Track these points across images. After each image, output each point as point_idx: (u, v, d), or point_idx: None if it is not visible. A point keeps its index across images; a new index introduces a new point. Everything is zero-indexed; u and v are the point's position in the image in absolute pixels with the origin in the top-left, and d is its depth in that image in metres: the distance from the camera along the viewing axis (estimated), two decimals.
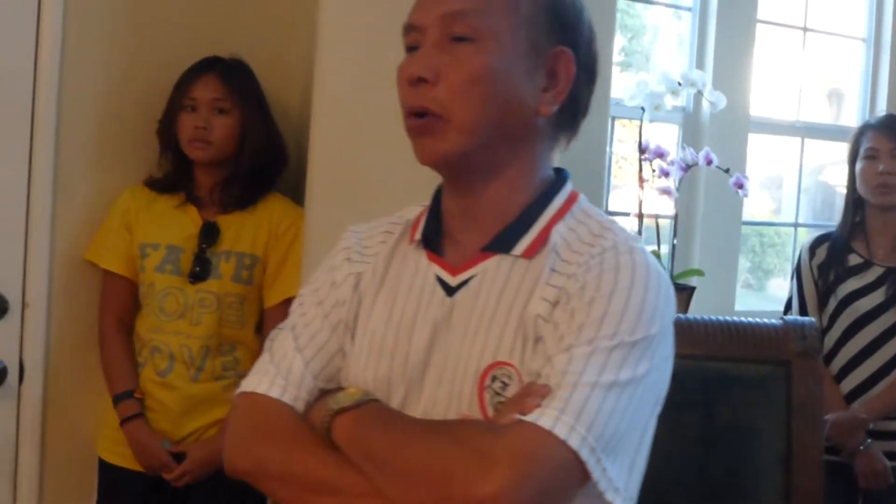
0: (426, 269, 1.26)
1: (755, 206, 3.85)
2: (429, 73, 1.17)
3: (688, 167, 2.96)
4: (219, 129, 2.32)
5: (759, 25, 3.41)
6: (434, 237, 1.27)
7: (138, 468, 2.29)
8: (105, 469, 2.37)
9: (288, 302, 2.28)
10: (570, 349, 1.08)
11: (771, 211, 4.11)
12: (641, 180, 2.93)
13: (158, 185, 2.38)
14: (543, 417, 1.04)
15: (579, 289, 1.12)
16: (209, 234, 2.33)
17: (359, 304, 1.28)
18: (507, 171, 1.23)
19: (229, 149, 2.34)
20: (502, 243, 1.21)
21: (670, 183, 2.94)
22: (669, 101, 3.00)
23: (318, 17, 2.19)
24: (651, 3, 3.51)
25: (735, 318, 2.17)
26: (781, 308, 3.10)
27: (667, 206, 3.06)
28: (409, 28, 1.23)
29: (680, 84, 2.96)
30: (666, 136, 3.32)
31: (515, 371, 1.14)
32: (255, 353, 2.32)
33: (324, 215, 2.21)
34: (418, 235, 1.29)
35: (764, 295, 4.13)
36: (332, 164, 2.22)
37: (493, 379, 1.14)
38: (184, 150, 2.34)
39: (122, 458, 2.32)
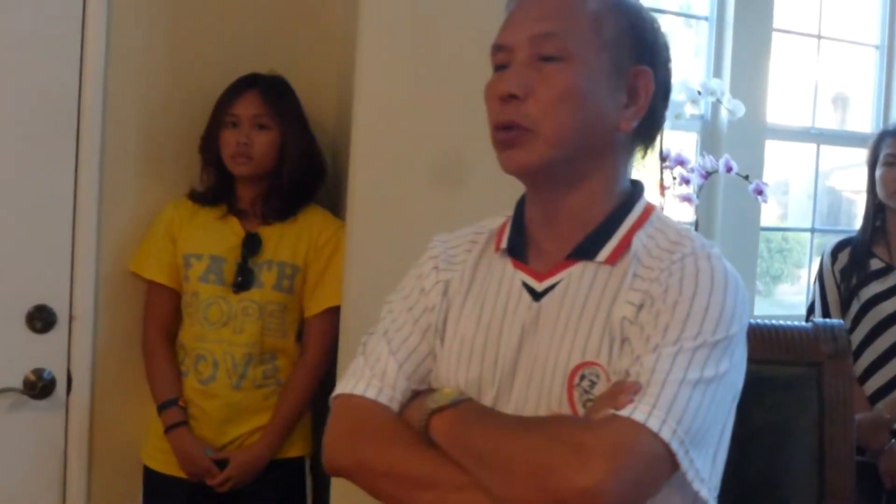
0: (512, 275, 1.31)
1: (762, 212, 3.89)
2: (519, 90, 1.23)
3: (708, 174, 3.01)
4: (259, 145, 2.36)
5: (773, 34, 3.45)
6: (518, 245, 1.33)
7: (182, 475, 2.33)
8: (150, 476, 2.40)
9: (328, 311, 2.38)
10: (657, 349, 1.14)
11: (778, 216, 4.13)
12: (663, 188, 2.98)
13: (201, 198, 2.42)
14: (637, 412, 1.10)
15: (663, 292, 1.18)
16: (252, 244, 2.37)
17: (447, 309, 1.34)
18: (589, 181, 1.28)
19: (270, 163, 2.38)
20: (586, 250, 1.27)
21: (691, 190, 2.99)
22: (689, 110, 3.05)
23: (359, 31, 2.22)
24: (664, 11, 3.55)
25: (766, 321, 2.22)
26: (791, 313, 3.13)
27: (687, 213, 3.11)
28: (498, 48, 1.28)
29: (699, 93, 3.01)
30: (682, 143, 3.37)
31: (603, 370, 1.19)
32: (295, 362, 2.40)
33: (365, 226, 2.24)
34: (504, 244, 1.34)
35: (772, 300, 4.14)
36: (372, 176, 2.25)
37: (582, 378, 1.20)
38: (226, 165, 2.38)
39: (167, 465, 2.35)
